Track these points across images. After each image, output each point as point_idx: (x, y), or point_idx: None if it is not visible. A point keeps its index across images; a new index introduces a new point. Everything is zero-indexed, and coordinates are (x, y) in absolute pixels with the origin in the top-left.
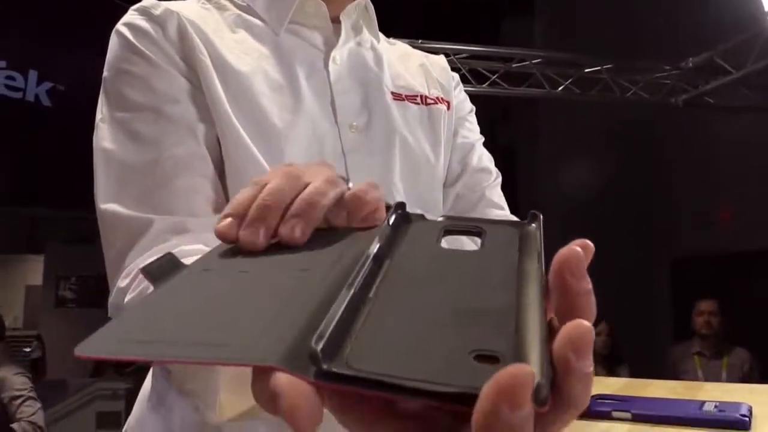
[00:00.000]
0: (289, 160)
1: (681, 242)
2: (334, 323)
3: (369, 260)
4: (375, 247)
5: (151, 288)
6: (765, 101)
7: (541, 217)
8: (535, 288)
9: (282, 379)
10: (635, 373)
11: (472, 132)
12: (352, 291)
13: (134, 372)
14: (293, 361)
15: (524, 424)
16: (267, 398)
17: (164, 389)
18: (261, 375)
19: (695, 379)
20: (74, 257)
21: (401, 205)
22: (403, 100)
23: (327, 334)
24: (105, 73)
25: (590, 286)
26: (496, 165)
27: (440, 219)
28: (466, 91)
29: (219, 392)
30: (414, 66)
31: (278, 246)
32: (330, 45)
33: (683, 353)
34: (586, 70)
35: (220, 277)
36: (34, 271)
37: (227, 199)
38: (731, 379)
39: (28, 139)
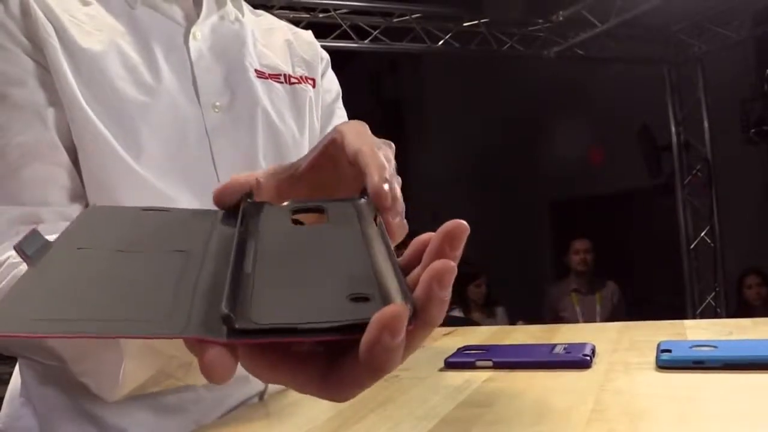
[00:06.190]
0: (147, 143)
1: (559, 186)
2: (231, 292)
3: (236, 243)
4: (237, 232)
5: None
6: (627, 52)
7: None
8: (380, 244)
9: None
10: (519, 313)
11: (343, 119)
12: (235, 267)
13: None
14: (207, 329)
15: (400, 346)
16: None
17: (32, 382)
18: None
19: (573, 315)
20: None
21: (249, 195)
22: (267, 78)
23: (230, 301)
24: None
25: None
26: (384, 118)
27: (285, 204)
28: (349, 47)
29: (123, 362)
30: (278, 42)
31: (141, 227)
32: (191, 20)
33: (561, 291)
34: (465, 24)
35: (101, 256)
36: None
37: (83, 186)
38: (604, 312)
39: None
